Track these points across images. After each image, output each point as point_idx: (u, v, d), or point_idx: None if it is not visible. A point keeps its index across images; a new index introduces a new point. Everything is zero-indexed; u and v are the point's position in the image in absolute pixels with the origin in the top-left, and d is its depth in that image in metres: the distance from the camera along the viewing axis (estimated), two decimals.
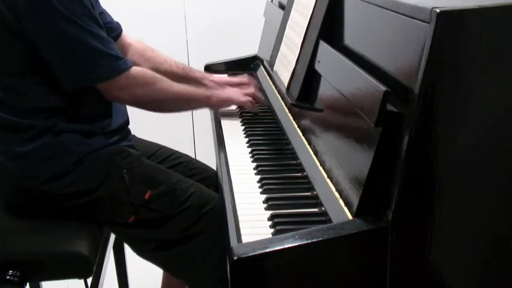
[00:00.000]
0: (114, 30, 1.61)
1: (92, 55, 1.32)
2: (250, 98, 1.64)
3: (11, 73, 1.33)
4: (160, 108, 1.53)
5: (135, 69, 1.39)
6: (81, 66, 1.33)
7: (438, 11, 0.84)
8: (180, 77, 1.65)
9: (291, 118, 1.49)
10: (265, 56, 1.91)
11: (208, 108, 1.63)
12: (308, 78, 1.39)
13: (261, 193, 1.21)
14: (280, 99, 1.63)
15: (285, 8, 1.71)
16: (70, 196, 1.36)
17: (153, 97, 1.44)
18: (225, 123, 1.63)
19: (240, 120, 1.66)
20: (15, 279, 1.27)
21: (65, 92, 1.34)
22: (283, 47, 1.66)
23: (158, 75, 1.46)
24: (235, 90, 1.65)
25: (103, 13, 1.57)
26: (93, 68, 1.33)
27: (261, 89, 1.82)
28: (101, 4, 1.56)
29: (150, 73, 1.44)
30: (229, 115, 1.70)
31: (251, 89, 1.68)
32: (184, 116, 2.86)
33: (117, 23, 1.66)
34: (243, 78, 1.78)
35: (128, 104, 1.48)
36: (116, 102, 1.45)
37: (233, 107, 1.72)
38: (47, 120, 1.34)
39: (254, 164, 1.35)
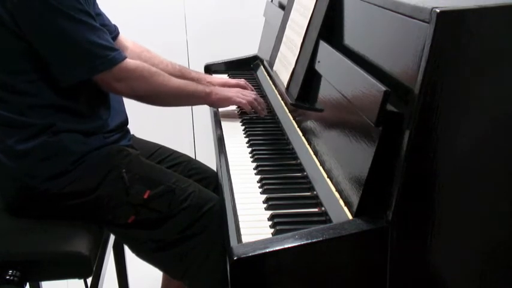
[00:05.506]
0: (110, 32, 1.60)
1: (87, 47, 1.33)
2: (249, 99, 1.64)
3: (9, 71, 1.33)
4: (159, 102, 1.54)
5: (130, 62, 1.41)
6: (76, 59, 1.33)
7: (438, 11, 0.84)
8: (176, 77, 1.65)
9: (291, 118, 1.49)
10: (265, 56, 1.91)
11: (207, 105, 1.64)
12: (308, 78, 1.39)
13: (261, 193, 1.21)
14: (280, 99, 1.63)
15: (285, 8, 1.71)
16: (69, 195, 1.36)
17: (150, 90, 1.46)
18: (225, 124, 1.63)
19: (240, 120, 1.66)
20: (15, 279, 1.27)
21: (61, 89, 1.34)
22: (283, 47, 1.66)
23: (154, 69, 1.48)
24: (236, 91, 1.66)
25: (100, 15, 1.57)
26: (88, 59, 1.34)
27: (260, 89, 1.83)
28: (101, 5, 1.56)
29: (146, 66, 1.46)
30: (230, 115, 1.70)
31: (251, 93, 1.68)
32: (184, 116, 2.86)
33: (114, 25, 1.66)
34: (240, 80, 1.79)
35: (126, 96, 1.48)
36: (114, 93, 1.47)
37: (233, 107, 1.72)
38: (45, 119, 1.34)
39: (254, 164, 1.35)
